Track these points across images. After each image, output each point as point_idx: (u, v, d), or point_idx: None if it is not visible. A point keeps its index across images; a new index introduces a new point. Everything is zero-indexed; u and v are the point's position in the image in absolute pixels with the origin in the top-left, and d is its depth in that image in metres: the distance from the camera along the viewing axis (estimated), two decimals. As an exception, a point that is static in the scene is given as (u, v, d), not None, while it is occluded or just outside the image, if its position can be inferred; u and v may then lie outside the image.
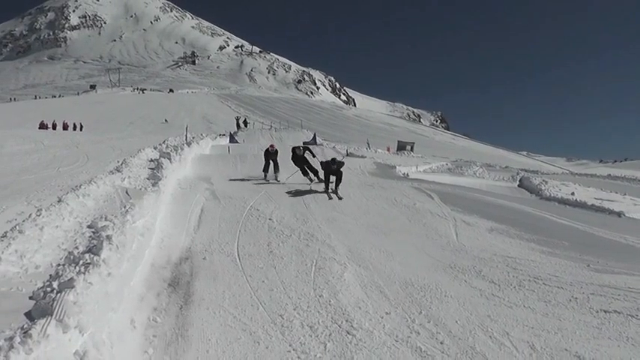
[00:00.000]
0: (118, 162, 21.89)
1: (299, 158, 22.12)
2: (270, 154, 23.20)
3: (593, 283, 10.84)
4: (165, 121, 58.23)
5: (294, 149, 22.39)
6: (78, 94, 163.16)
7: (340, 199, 18.66)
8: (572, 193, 24.37)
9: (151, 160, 22.35)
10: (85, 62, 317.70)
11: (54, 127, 63.76)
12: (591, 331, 8.62)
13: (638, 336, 8.37)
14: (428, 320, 9.01)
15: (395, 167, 29.61)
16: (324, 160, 20.88)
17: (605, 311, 9.42)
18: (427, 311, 9.37)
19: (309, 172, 22.12)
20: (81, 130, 65.28)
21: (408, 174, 29.17)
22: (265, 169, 23.09)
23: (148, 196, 13.76)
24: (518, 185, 29.77)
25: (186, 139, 35.26)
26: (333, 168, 19.59)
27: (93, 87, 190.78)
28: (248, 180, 22.58)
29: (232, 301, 9.72)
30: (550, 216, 17.85)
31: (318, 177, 21.61)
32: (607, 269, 11.83)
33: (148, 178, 17.52)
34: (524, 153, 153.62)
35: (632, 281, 10.85)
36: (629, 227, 17.00)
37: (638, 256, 13.27)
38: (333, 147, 42.75)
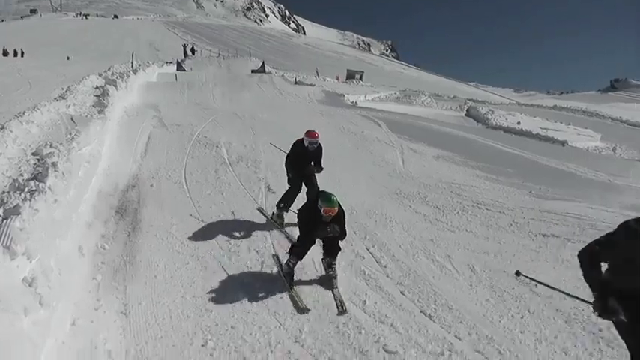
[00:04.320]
0: (63, 89, 21.36)
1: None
2: (307, 155, 10.27)
3: (533, 209, 11.19)
4: (68, 58, 56.46)
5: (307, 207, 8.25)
6: (22, 18, 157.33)
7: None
8: (518, 123, 24.84)
9: (97, 87, 21.83)
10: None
11: (-6, 53, 61.72)
12: (529, 254, 8.95)
13: (573, 258, 8.63)
14: (372, 244, 9.21)
15: (344, 95, 29.68)
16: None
17: (543, 235, 9.76)
18: (372, 236, 9.56)
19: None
20: (22, 56, 63.21)
21: (356, 102, 29.23)
22: (288, 200, 10.34)
23: (94, 123, 13.53)
24: (466, 114, 30.19)
25: (132, 66, 34.59)
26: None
27: (34, 11, 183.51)
28: (196, 107, 22.38)
29: (180, 227, 9.77)
30: (496, 144, 18.19)
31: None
32: (548, 195, 12.22)
33: (93, 105, 17.16)
34: (473, 84, 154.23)
35: (570, 207, 11.22)
36: (572, 156, 17.47)
37: (579, 183, 13.72)
38: (282, 75, 42.40)
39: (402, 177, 13.53)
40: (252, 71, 43.64)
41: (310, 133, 10.10)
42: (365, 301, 7.17)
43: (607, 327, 6.35)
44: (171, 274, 7.92)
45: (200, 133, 16.93)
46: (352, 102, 28.90)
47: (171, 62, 49.36)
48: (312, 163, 10.25)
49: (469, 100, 41.63)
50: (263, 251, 8.85)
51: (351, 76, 60.06)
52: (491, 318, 6.82)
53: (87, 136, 12.09)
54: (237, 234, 9.54)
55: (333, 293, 7.44)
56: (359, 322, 6.69)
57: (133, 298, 7.10)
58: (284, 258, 8.08)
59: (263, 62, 49.89)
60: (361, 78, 59.21)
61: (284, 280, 7.77)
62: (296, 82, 36.76)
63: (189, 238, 9.30)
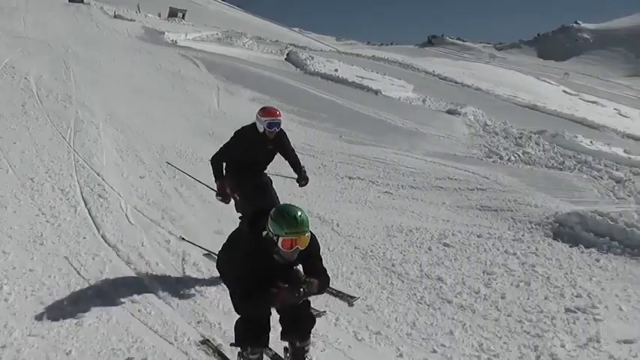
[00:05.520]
0: None
1: None
2: (265, 148, 6.71)
3: (343, 153, 11.57)
4: None
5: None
6: None
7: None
8: (336, 70, 25.35)
9: None
10: None
11: None
12: (334, 195, 9.25)
13: (375, 199, 9.11)
14: (181, 185, 9.12)
15: (164, 33, 29.17)
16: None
17: (349, 178, 10.13)
18: (180, 175, 9.35)
19: None
20: None
21: (176, 41, 28.75)
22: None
23: None
24: (286, 59, 30.44)
25: None
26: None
27: None
28: (4, 34, 21.02)
29: (-21, 163, 9.16)
30: (312, 89, 18.51)
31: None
32: (358, 141, 12.69)
33: None
34: (297, 29, 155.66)
35: (378, 152, 11.71)
36: (384, 104, 18.16)
37: (389, 129, 14.37)
38: (101, 8, 40.65)
39: (215, 117, 13.48)
40: (70, 1, 41.45)
41: (269, 111, 6.39)
42: (169, 241, 7.09)
43: (400, 263, 6.71)
44: (-36, 214, 7.39)
45: (7, 63, 15.92)
46: (172, 40, 28.44)
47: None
48: (298, 170, 7.27)
49: (290, 44, 42.03)
50: (68, 190, 8.47)
51: (173, 14, 58.81)
52: (292, 257, 6.96)
53: None
54: (41, 172, 9.10)
55: None
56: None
57: None
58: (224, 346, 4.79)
59: (81, -4, 47.63)
60: (183, 17, 58.18)
61: None
62: (115, 16, 35.75)
63: (-11, 176, 8.73)
